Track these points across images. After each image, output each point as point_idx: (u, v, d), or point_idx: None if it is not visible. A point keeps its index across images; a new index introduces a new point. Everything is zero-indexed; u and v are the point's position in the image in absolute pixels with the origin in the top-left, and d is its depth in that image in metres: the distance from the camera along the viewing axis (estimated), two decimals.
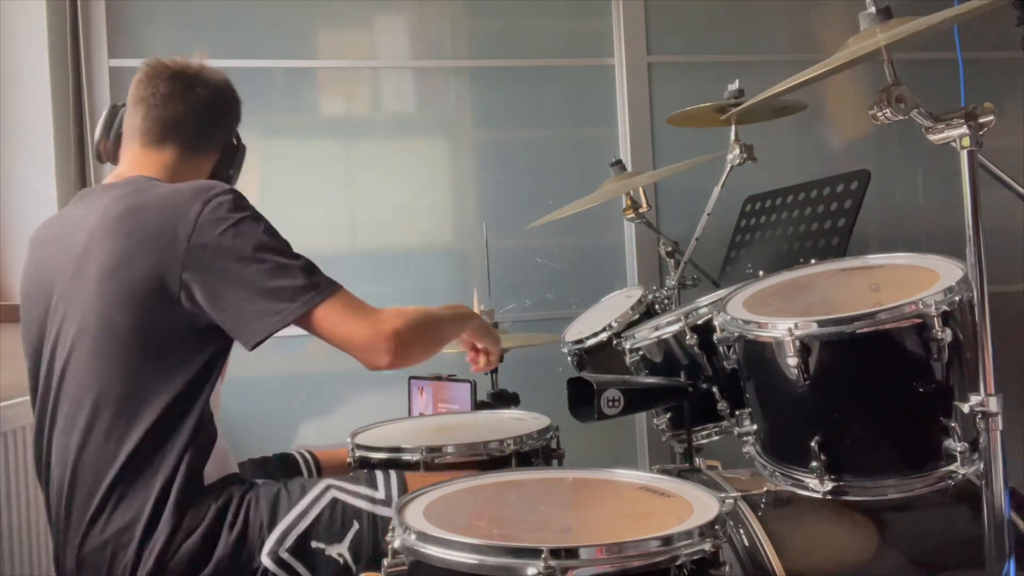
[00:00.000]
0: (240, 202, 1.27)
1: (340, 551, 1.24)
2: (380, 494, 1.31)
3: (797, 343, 1.16)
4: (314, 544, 1.24)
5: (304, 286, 1.24)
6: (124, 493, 1.21)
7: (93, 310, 1.24)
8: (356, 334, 1.26)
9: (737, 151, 1.92)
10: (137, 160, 1.39)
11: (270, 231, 1.28)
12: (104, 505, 1.21)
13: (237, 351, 1.31)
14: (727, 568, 0.93)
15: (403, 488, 1.33)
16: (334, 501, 1.29)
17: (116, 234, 1.25)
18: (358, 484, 1.33)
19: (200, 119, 1.42)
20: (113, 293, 1.23)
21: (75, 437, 1.24)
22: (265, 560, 1.21)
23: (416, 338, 1.30)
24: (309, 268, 1.28)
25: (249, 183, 2.52)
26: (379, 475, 1.36)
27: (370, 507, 1.29)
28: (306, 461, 1.66)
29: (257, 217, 1.28)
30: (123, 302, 1.23)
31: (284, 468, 1.62)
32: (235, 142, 1.51)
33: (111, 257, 1.24)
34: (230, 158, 1.50)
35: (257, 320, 1.23)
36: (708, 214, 2.05)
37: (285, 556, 1.22)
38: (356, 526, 1.27)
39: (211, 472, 1.28)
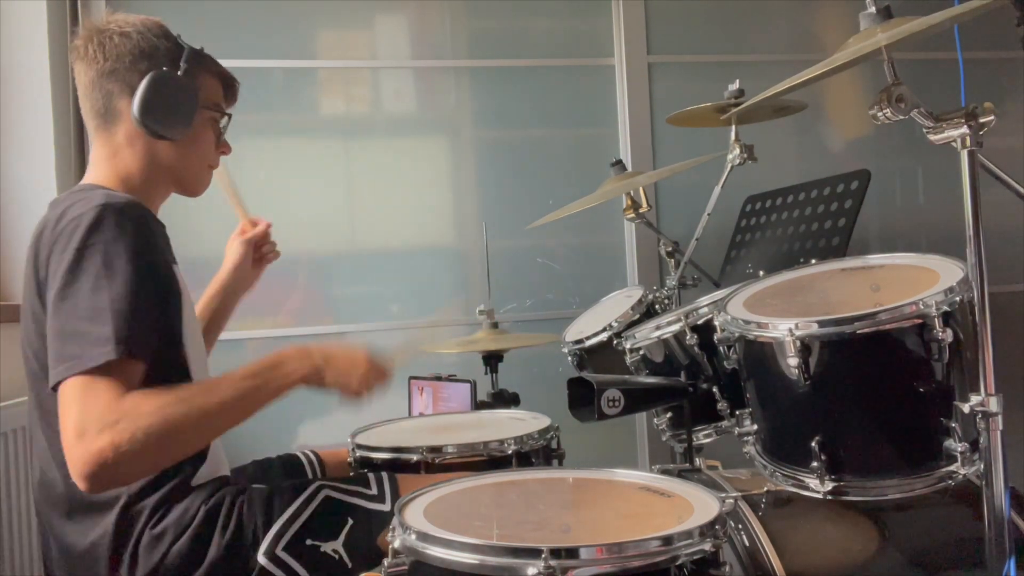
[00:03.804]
0: (102, 225, 1.11)
1: (335, 547, 1.24)
2: (373, 491, 1.31)
3: (797, 343, 1.16)
4: (309, 542, 1.23)
5: (77, 350, 1.05)
6: (93, 498, 1.19)
7: (24, 324, 1.24)
8: (65, 436, 1.03)
9: (737, 151, 1.92)
10: (93, 153, 1.34)
11: (111, 267, 1.09)
12: (79, 509, 1.21)
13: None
14: (727, 568, 0.93)
15: (395, 487, 1.33)
16: (327, 499, 1.28)
17: (30, 248, 1.23)
18: (350, 483, 1.33)
19: (129, 69, 1.27)
20: (27, 305, 1.22)
21: (40, 442, 1.24)
22: (261, 559, 1.21)
23: (135, 465, 1.05)
24: (101, 331, 1.06)
25: (250, 183, 2.53)
26: (371, 476, 1.36)
27: (363, 503, 1.29)
28: (310, 461, 1.66)
29: (110, 252, 1.11)
30: (34, 316, 1.21)
31: (287, 469, 1.62)
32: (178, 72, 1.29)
33: (27, 268, 1.23)
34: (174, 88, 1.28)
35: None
36: (708, 214, 2.05)
37: (282, 555, 1.22)
38: (350, 522, 1.26)
39: (200, 474, 1.27)
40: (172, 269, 1.26)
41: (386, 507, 1.28)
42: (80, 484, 1.02)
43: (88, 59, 1.29)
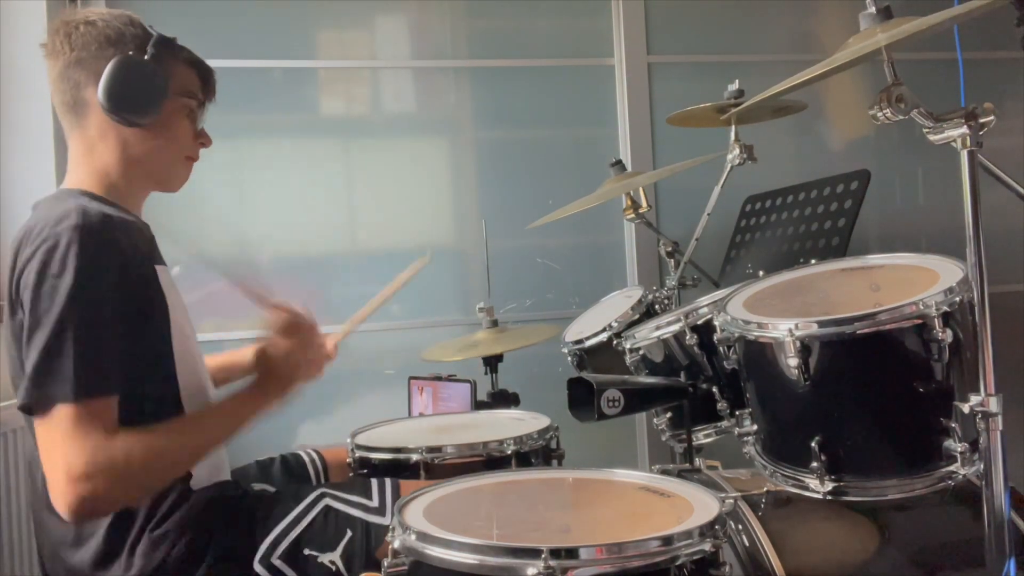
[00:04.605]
0: (74, 250, 1.09)
1: (332, 559, 1.23)
2: (374, 502, 1.30)
3: (797, 343, 1.16)
4: (306, 551, 1.23)
5: (57, 381, 1.06)
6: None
7: (5, 325, 1.23)
8: (54, 473, 1.05)
9: (737, 151, 1.92)
10: (70, 152, 1.30)
11: (77, 298, 1.08)
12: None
13: None
14: (727, 568, 0.93)
15: (397, 496, 1.32)
16: (327, 509, 1.28)
17: (10, 253, 1.21)
18: (352, 492, 1.32)
19: (96, 56, 1.23)
20: (6, 309, 1.20)
21: (32, 443, 1.22)
22: (257, 567, 1.21)
23: (122, 501, 1.13)
24: (84, 359, 1.07)
25: (251, 183, 2.53)
26: (374, 483, 1.35)
27: (363, 515, 1.28)
28: (312, 460, 1.66)
29: (81, 278, 1.09)
30: (12, 324, 1.19)
31: (290, 468, 1.62)
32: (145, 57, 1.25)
33: (7, 273, 1.21)
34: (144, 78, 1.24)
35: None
36: (708, 214, 2.05)
37: (277, 563, 1.21)
38: (349, 534, 1.25)
39: (200, 478, 1.27)
40: (153, 279, 1.23)
41: (386, 520, 1.27)
42: (67, 518, 1.06)
43: (55, 53, 1.25)
